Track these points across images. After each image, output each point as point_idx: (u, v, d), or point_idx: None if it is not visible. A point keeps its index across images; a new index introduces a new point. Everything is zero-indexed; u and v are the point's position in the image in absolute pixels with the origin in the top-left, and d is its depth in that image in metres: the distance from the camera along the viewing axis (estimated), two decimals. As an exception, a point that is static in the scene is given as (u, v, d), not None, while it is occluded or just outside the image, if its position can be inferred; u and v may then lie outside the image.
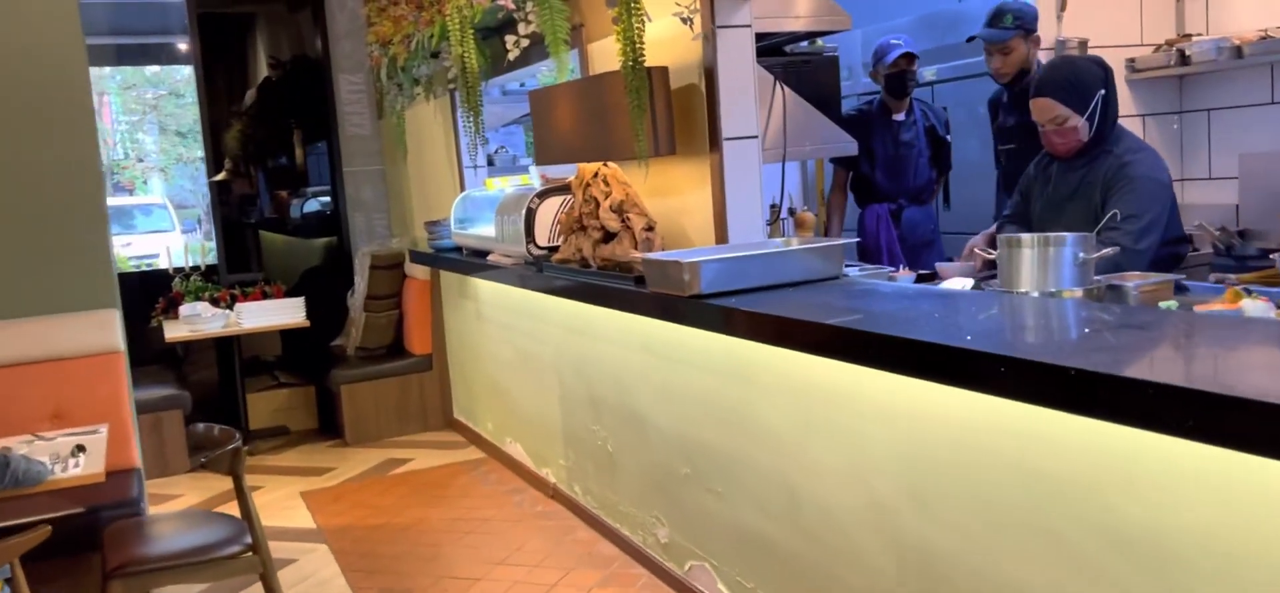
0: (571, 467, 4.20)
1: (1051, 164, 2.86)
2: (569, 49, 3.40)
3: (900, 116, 4.02)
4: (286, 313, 5.41)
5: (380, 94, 5.94)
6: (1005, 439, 1.97)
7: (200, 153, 7.18)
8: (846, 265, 2.74)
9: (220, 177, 6.06)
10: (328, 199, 6.85)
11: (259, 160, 8.78)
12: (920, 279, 3.02)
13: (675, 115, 2.96)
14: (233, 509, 4.91)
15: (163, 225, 12.86)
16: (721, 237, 2.90)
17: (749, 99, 2.84)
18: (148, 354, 5.68)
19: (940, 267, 3.09)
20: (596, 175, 3.14)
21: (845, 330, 2.04)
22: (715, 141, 2.85)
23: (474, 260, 4.31)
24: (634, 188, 3.09)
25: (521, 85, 4.98)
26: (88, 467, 2.80)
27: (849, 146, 3.13)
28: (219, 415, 5.94)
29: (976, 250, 2.74)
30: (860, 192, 4.07)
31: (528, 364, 4.52)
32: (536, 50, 3.79)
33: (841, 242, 2.62)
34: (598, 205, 3.13)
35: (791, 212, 3.12)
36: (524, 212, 3.68)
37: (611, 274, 3.06)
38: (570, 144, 3.18)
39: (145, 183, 14.09)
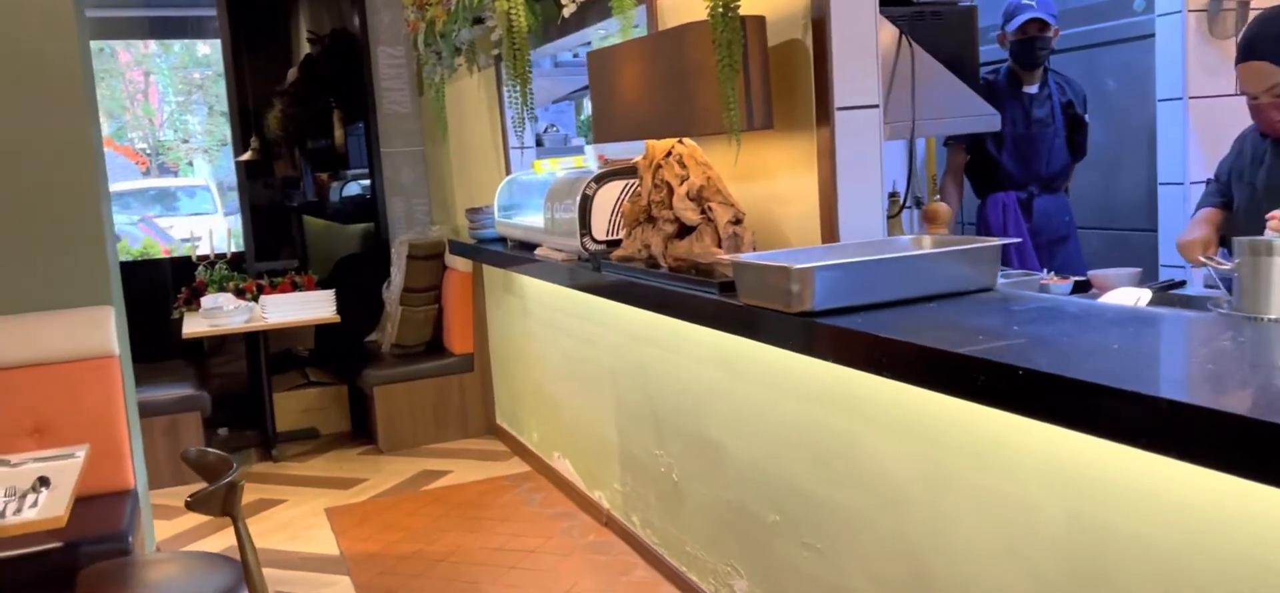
0: (628, 493, 3.61)
1: (1267, 145, 2.19)
2: (636, 3, 2.80)
3: (1032, 89, 3.35)
4: (315, 307, 4.89)
5: (420, 67, 5.38)
6: (1238, 525, 1.34)
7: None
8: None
9: (246, 156, 5.55)
10: (367, 182, 6.34)
11: (299, 141, 8.33)
12: (1076, 290, 2.38)
13: (771, 79, 2.34)
14: (252, 528, 4.40)
15: (205, 208, 12.50)
16: (829, 233, 2.28)
17: (869, 58, 2.21)
18: (172, 348, 5.21)
19: (1098, 275, 2.45)
20: (670, 155, 2.54)
21: (1045, 378, 1.42)
22: (824, 112, 2.23)
23: (519, 254, 3.73)
24: (716, 171, 2.48)
25: (575, 55, 4.38)
26: (46, 508, 2.27)
27: (991, 120, 2.49)
28: (243, 417, 5.46)
29: (1203, 256, 2.08)
30: (979, 178, 3.41)
31: (579, 372, 3.94)
32: (595, 9, 3.19)
33: (995, 242, 1.99)
34: (670, 192, 2.53)
35: (918, 202, 2.49)
36: (578, 199, 3.08)
37: (687, 278, 2.45)
38: (638, 116, 2.57)
39: (190, 165, 13.76)
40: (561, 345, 4.11)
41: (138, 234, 11.23)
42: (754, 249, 2.37)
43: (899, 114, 2.29)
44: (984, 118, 2.44)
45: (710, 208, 2.40)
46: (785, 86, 2.35)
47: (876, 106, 2.24)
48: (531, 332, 4.47)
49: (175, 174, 13.70)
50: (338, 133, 7.97)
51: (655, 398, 3.29)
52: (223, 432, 5.48)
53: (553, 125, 4.83)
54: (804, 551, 2.51)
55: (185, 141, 13.90)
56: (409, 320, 5.19)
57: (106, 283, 3.30)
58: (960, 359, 1.54)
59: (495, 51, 4.16)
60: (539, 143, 4.58)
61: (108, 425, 3.20)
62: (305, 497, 4.45)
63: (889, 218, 2.37)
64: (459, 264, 5.08)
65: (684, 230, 2.51)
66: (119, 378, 3.26)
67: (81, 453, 2.67)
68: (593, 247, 3.10)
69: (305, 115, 7.93)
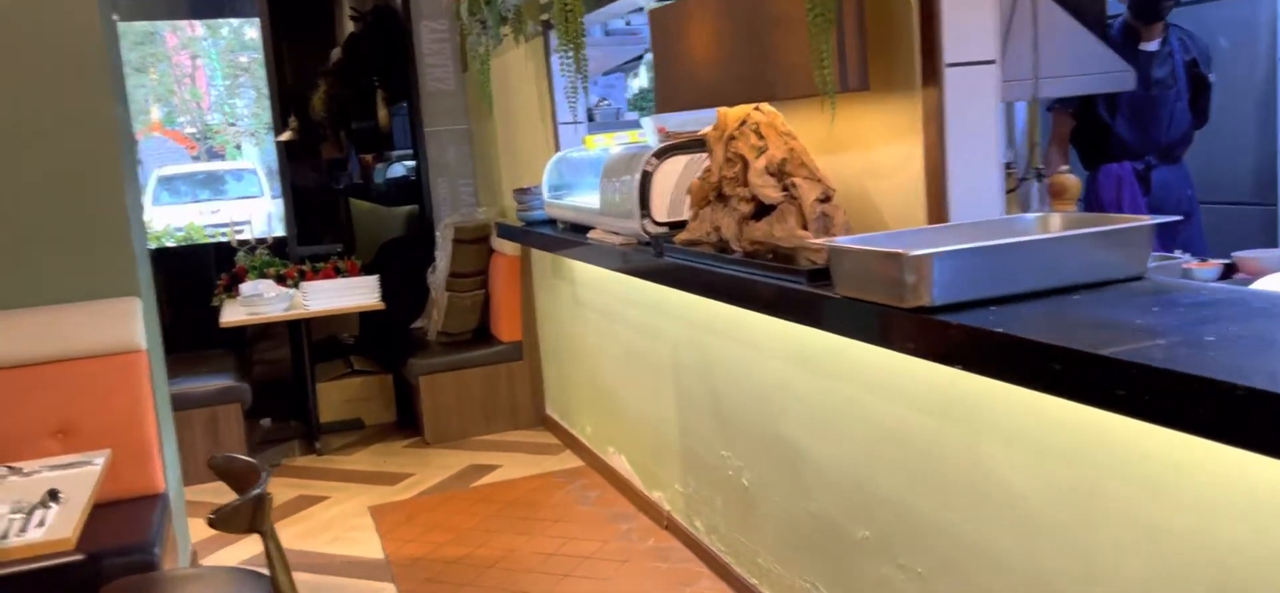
0: (691, 496, 3.31)
1: None
2: (703, -47, 2.47)
3: (1152, 46, 2.96)
4: (358, 293, 4.64)
5: (464, 39, 5.10)
6: None
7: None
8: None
9: (285, 136, 5.31)
10: (412, 163, 6.09)
11: (344, 122, 8.12)
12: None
13: (867, 32, 2.00)
14: (294, 527, 4.23)
15: (253, 191, 12.42)
16: (937, 212, 1.94)
17: (984, 6, 1.86)
18: (214, 336, 5.01)
19: (1245, 257, 2.08)
20: (745, 124, 2.21)
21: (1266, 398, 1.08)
22: (931, 69, 1.89)
23: (571, 237, 3.43)
24: (800, 141, 2.16)
25: (627, 23, 4.06)
26: (53, 528, 2.02)
27: (1125, 77, 2.13)
28: (287, 406, 5.25)
29: None
30: (1088, 146, 3.04)
31: (637, 363, 3.64)
32: (654, -35, 2.86)
33: (1151, 221, 1.64)
34: (745, 167, 2.21)
35: (1039, 174, 2.13)
36: (637, 176, 2.77)
37: (767, 265, 2.13)
38: (708, 80, 2.25)
39: (238, 148, 13.71)
40: (617, 334, 3.82)
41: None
42: (848, 231, 2.04)
43: (1017, 71, 1.94)
44: (1117, 75, 2.08)
45: (794, 184, 2.07)
46: (883, 41, 2.01)
47: (992, 62, 1.89)
48: (584, 319, 4.18)
49: (223, 158, 13.66)
50: (382, 113, 7.75)
51: (722, 394, 2.98)
52: (266, 422, 5.28)
53: (604, 98, 4.52)
54: (900, 573, 2.19)
55: (232, 125, 13.84)
56: (455, 307, 4.93)
57: (133, 273, 3.06)
58: (1145, 372, 1.21)
59: (543, 17, 3.85)
60: (590, 118, 4.28)
61: (135, 426, 2.97)
62: (349, 493, 4.22)
63: (1007, 193, 2.02)
64: (506, 248, 4.80)
65: (762, 210, 2.19)
66: (147, 374, 3.03)
67: (100, 461, 2.43)
68: (653, 229, 2.79)
69: (349, 95, 7.72)
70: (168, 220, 10.34)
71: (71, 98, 2.94)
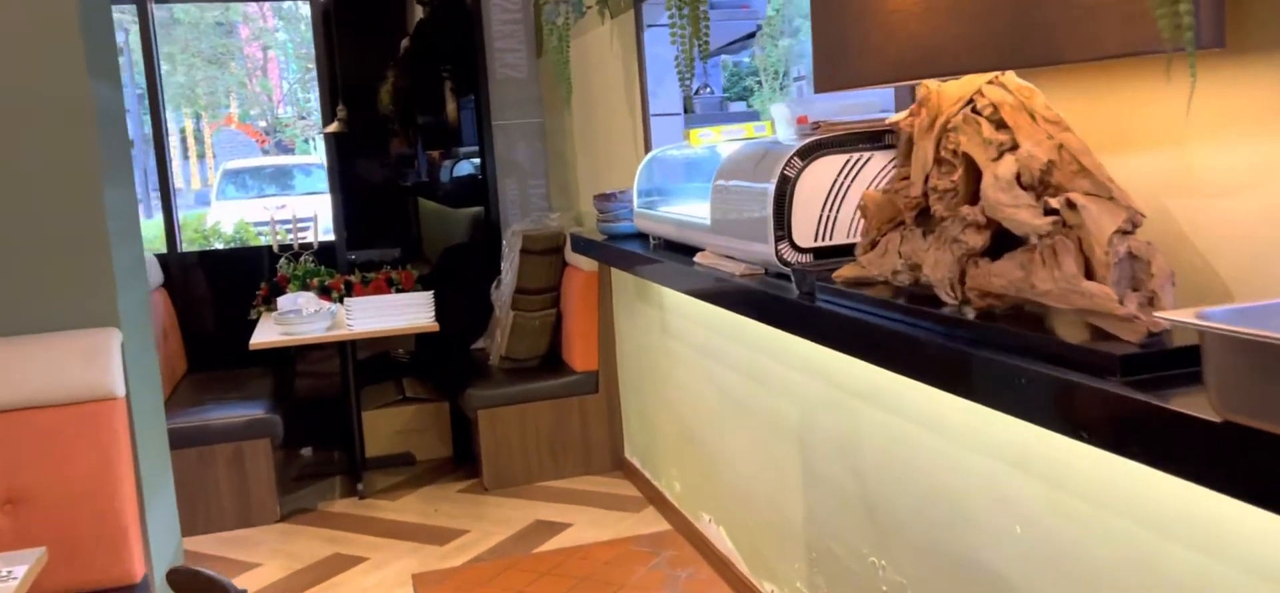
0: (822, 603, 2.49)
1: None
2: None
3: None
4: (409, 313, 3.91)
5: (538, 15, 4.34)
6: None
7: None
8: None
9: (332, 127, 4.62)
10: (478, 161, 5.38)
11: (411, 116, 7.49)
12: None
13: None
14: (333, 583, 3.50)
15: (321, 187, 11.89)
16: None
17: None
18: (256, 353, 4.35)
19: None
20: (974, 107, 1.38)
21: None
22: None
23: (668, 259, 2.63)
24: (1076, 134, 1.31)
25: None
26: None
27: None
28: (332, 431, 4.56)
29: None
30: None
31: (746, 418, 2.82)
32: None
33: None
34: (973, 173, 1.38)
35: None
36: (772, 182, 1.96)
37: (1017, 336, 1.30)
38: (922, 36, 1.39)
39: (308, 142, 13.25)
40: (718, 378, 3.01)
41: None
42: (1171, 284, 1.20)
43: None
44: None
45: (1072, 203, 1.23)
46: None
47: None
48: (675, 354, 3.38)
49: (292, 152, 13.22)
50: (449, 106, 7.09)
51: (876, 484, 2.15)
52: (306, 452, 4.60)
53: (706, 85, 3.72)
54: None
55: (302, 118, 13.39)
56: (522, 328, 4.17)
57: (111, 297, 2.35)
58: None
59: (637, -16, 3.07)
60: (688, 108, 3.47)
61: (106, 495, 2.26)
62: (391, 553, 3.48)
63: None
64: (583, 262, 4.02)
65: (1003, 242, 1.35)
66: (125, 428, 2.31)
67: (22, 569, 1.71)
68: (794, 258, 1.97)
69: (416, 86, 7.08)
70: (234, 216, 9.86)
71: (27, 71, 2.23)
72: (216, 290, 4.71)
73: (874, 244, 1.66)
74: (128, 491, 2.30)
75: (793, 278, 1.91)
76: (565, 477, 4.10)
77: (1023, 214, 1.29)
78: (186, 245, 8.21)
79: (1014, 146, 1.34)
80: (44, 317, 2.29)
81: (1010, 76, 1.38)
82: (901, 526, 2.08)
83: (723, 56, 4.29)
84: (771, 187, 1.96)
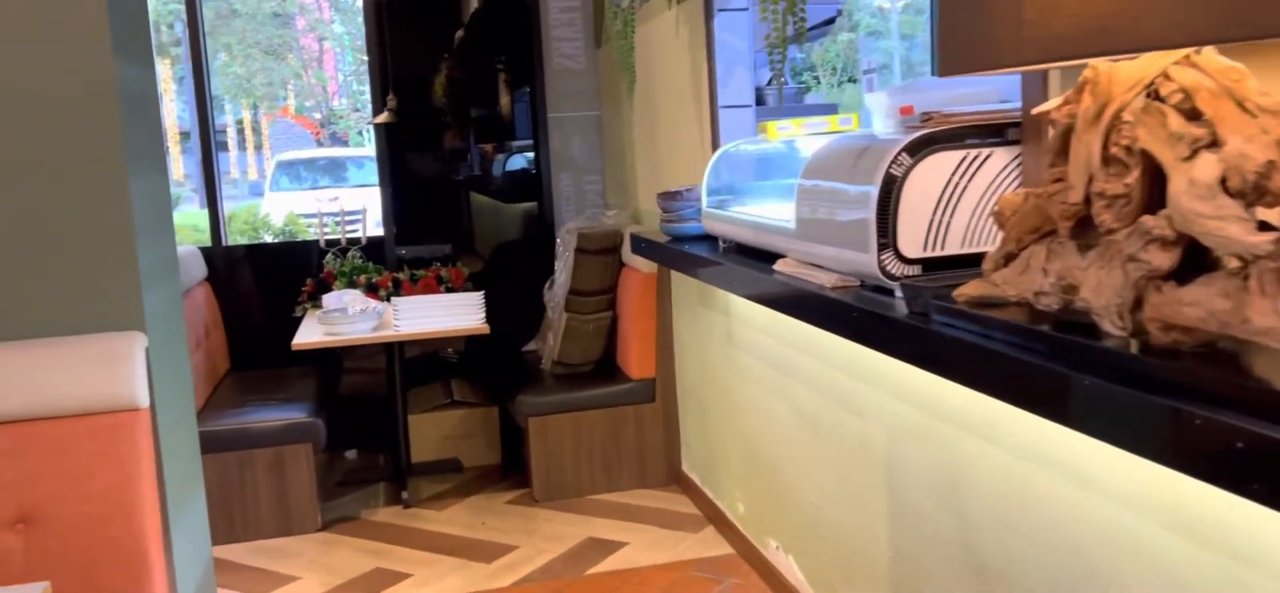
0: (912, 656, 2.20)
1: None
2: None
3: None
4: (459, 314, 3.69)
5: (599, 8, 4.10)
6: None
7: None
8: None
9: (382, 118, 4.42)
10: (532, 155, 5.16)
11: (464, 108, 7.32)
12: None
13: None
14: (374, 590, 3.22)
15: (374, 180, 11.83)
16: None
17: None
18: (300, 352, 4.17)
19: None
20: (1156, 92, 1.09)
21: None
22: None
23: (743, 265, 2.36)
24: (1306, 127, 1.02)
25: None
26: None
27: None
28: (378, 432, 4.37)
29: None
30: None
31: (822, 440, 2.55)
32: None
33: None
34: (1153, 175, 1.09)
35: None
36: (875, 182, 1.68)
37: (1235, 394, 1.01)
38: (1093, 2, 1.11)
39: (361, 134, 13.19)
40: (791, 394, 2.73)
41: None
42: None
43: None
44: None
45: (1307, 217, 0.94)
46: None
47: None
48: (741, 365, 3.11)
49: (346, 143, 13.17)
50: (503, 98, 6.89)
51: (981, 527, 1.87)
52: (351, 455, 4.41)
53: (780, 75, 3.42)
54: None
55: (356, 110, 13.33)
56: (576, 332, 3.93)
57: (135, 297, 2.14)
58: None
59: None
60: (760, 100, 3.19)
61: (126, 514, 2.06)
62: (435, 569, 3.27)
63: None
64: (641, 263, 3.77)
65: (1193, 263, 1.07)
66: (149, 441, 2.11)
67: (19, 610, 1.50)
68: (900, 271, 1.69)
69: (470, 78, 6.90)
70: (286, 208, 9.79)
71: (41, 47, 2.04)
72: (262, 285, 4.55)
73: (1010, 258, 1.37)
74: (150, 510, 2.09)
75: (902, 294, 1.63)
76: (619, 490, 3.85)
77: (1232, 229, 1.00)
78: (237, 237, 8.17)
79: (1213, 142, 1.05)
80: (60, 319, 2.10)
81: (1208, 55, 1.09)
82: (1016, 581, 1.79)
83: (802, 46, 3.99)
84: (875, 189, 1.68)
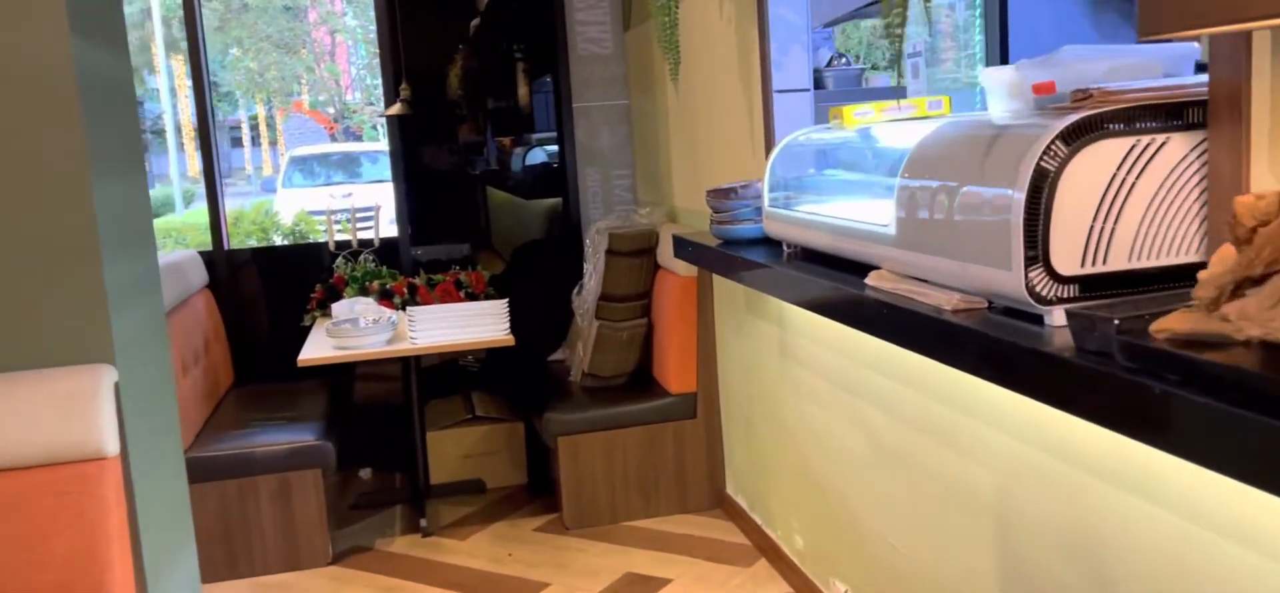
0: None
1: None
2: None
3: None
4: (480, 325, 3.33)
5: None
6: None
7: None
8: None
9: (395, 109, 4.06)
10: (554, 148, 4.80)
11: (481, 100, 6.98)
12: None
13: None
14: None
15: (388, 174, 11.51)
16: None
17: None
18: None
19: None
20: None
21: None
22: None
23: (814, 274, 1.98)
24: None
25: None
26: None
27: None
28: (395, 448, 4.02)
29: None
30: None
31: (910, 475, 2.17)
32: None
33: None
34: None
35: None
36: (1024, 178, 1.30)
37: None
38: None
39: (375, 129, 12.85)
40: (865, 419, 2.35)
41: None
42: None
43: None
44: None
45: None
46: None
47: None
48: (798, 382, 2.74)
49: (360, 138, 12.84)
50: (522, 88, 6.53)
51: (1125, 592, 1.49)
52: (365, 474, 4.07)
53: (839, 56, 3.05)
54: None
55: (370, 104, 12.99)
56: (608, 341, 3.57)
57: (102, 322, 1.79)
58: None
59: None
60: (818, 84, 2.81)
61: (93, 584, 1.71)
62: (457, 612, 2.91)
63: None
64: (679, 266, 3.39)
65: None
66: (118, 497, 1.76)
67: None
68: (1053, 292, 1.31)
69: (487, 68, 6.55)
70: (299, 205, 9.46)
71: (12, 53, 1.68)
72: (268, 292, 4.20)
73: (1247, 286, 1.00)
74: (121, 577, 1.74)
75: (1065, 324, 1.25)
76: (658, 515, 3.49)
77: None
78: (244, 238, 7.82)
79: None
80: (11, 351, 1.75)
81: None
82: (1190, 678, 1.41)
83: (834, 25, 3.62)
84: (1019, 189, 1.30)
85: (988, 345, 1.39)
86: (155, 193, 15.55)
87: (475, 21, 6.35)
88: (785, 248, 2.27)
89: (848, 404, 2.46)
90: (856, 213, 1.89)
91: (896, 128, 1.95)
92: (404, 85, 3.97)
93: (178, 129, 14.76)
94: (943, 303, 1.50)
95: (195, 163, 15.65)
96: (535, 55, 5.72)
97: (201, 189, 14.40)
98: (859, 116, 2.10)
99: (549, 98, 4.92)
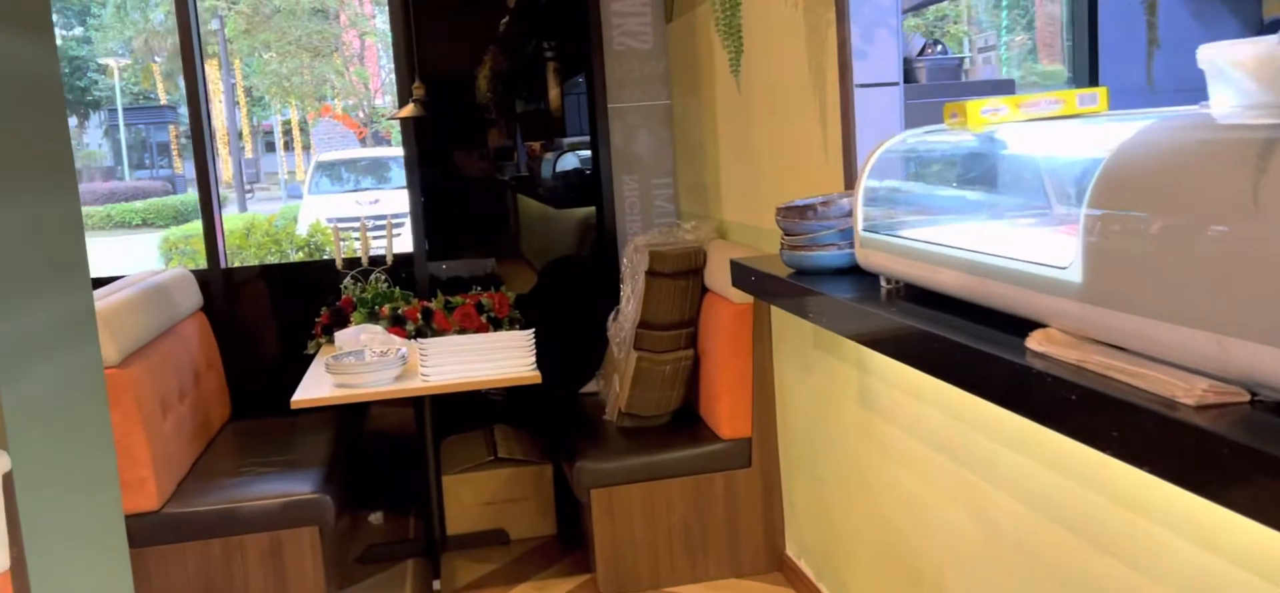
0: None
1: None
2: None
3: None
4: (501, 357, 2.84)
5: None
6: None
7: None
8: None
9: (407, 111, 3.60)
10: (587, 153, 4.33)
11: (508, 104, 6.52)
12: None
13: None
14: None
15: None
16: None
17: None
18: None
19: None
20: None
21: None
22: None
23: (942, 328, 1.46)
24: None
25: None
26: None
27: None
28: (408, 489, 3.56)
29: None
30: None
31: (1044, 576, 1.65)
32: None
33: None
34: None
35: None
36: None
37: None
38: None
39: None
40: (975, 495, 1.84)
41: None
42: None
43: None
44: None
45: None
46: None
47: None
48: (881, 437, 2.22)
49: (389, 143, 12.46)
50: (552, 89, 6.07)
51: None
52: (375, 519, 3.61)
53: (934, 43, 2.53)
54: None
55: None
56: (648, 376, 3.07)
57: (-13, 392, 1.32)
58: None
59: None
60: (908, 77, 2.30)
61: None
62: (473, 705, 2.43)
63: None
64: (732, 290, 2.89)
65: None
66: (7, 623, 1.29)
67: None
68: None
69: (516, 69, 6.10)
70: (327, 211, 9.06)
71: None
72: (272, 314, 3.76)
73: None
74: None
75: None
76: (707, 579, 2.99)
77: None
78: (254, 251, 7.39)
79: None
80: None
81: None
82: None
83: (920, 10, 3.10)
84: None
85: (1255, 462, 0.88)
86: (186, 197, 15.29)
87: (505, 20, 5.91)
88: (884, 283, 1.76)
89: (947, 471, 1.95)
90: (994, 244, 1.38)
91: (1048, 131, 1.43)
92: (417, 84, 3.50)
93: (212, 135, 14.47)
94: (1178, 391, 0.98)
95: (228, 168, 15.38)
96: (567, 53, 5.28)
97: (230, 195, 14.10)
98: (989, 114, 1.58)
99: (581, 99, 4.46)
